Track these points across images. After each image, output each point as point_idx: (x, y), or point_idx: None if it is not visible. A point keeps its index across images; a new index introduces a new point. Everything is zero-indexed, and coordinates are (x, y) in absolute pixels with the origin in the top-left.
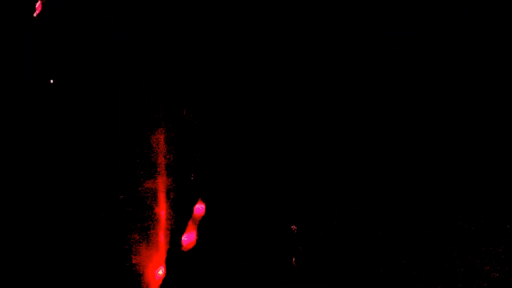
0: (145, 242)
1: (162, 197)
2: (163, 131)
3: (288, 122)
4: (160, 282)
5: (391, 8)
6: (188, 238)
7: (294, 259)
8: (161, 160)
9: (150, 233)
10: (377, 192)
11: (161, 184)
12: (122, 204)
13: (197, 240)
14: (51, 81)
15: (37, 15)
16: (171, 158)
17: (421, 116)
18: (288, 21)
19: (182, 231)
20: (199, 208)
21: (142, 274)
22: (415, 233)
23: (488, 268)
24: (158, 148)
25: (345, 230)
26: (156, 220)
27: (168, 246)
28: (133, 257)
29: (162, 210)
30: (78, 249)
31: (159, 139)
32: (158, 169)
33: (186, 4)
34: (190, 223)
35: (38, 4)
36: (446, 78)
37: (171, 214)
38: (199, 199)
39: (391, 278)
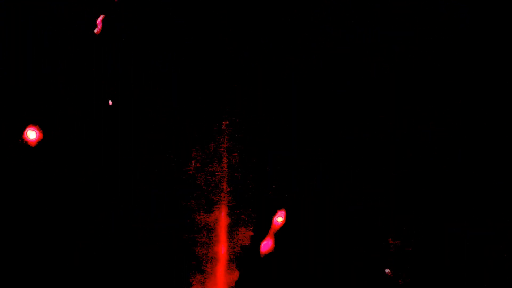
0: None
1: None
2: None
3: (288, 122)
4: None
5: (391, 8)
6: (266, 245)
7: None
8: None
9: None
10: (377, 192)
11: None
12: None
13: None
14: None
15: (99, 33)
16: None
17: (421, 116)
18: (288, 21)
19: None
20: (277, 220)
21: None
22: (415, 233)
23: (489, 268)
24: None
25: (345, 230)
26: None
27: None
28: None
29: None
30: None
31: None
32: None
33: (186, 4)
34: (270, 232)
35: (99, 20)
36: (446, 78)
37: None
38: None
39: (391, 278)
